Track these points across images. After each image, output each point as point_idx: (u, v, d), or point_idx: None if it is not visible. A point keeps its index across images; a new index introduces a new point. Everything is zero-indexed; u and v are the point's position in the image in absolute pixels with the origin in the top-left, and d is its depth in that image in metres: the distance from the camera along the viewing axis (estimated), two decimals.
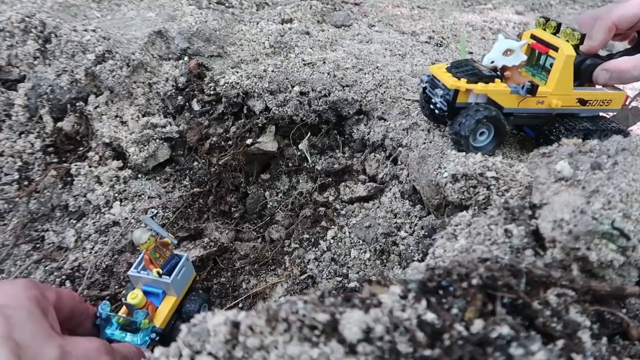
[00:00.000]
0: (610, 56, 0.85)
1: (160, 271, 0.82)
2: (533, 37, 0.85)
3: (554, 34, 0.83)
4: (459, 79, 0.80)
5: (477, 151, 0.83)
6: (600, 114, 0.90)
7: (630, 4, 0.82)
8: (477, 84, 0.80)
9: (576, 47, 0.79)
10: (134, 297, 0.77)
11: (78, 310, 0.68)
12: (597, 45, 0.83)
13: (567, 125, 0.85)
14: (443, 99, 0.83)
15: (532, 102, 0.82)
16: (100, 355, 0.56)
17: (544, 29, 0.85)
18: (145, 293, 0.81)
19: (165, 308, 0.83)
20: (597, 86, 0.86)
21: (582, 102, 0.85)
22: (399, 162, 1.04)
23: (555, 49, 0.80)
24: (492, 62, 0.82)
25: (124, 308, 0.78)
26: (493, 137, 0.84)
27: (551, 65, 0.82)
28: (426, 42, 1.52)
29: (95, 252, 1.04)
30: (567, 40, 0.79)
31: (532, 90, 0.80)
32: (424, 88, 0.90)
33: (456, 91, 0.80)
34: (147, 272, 0.83)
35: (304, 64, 1.26)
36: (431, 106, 0.89)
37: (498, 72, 0.83)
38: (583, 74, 0.82)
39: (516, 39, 0.85)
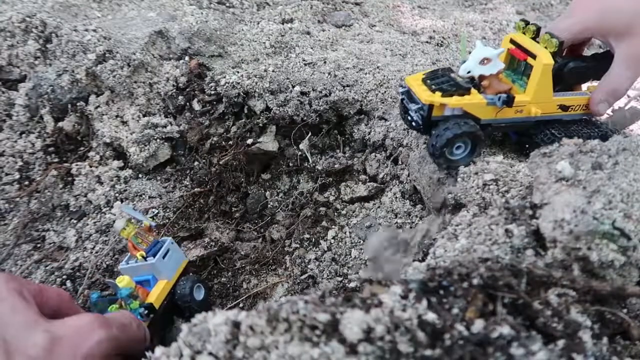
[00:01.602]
0: (594, 56, 0.84)
1: (144, 254, 0.82)
2: (512, 41, 0.84)
3: (533, 38, 0.81)
4: (434, 92, 0.77)
5: (454, 164, 0.81)
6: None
7: (560, 26, 0.81)
8: (452, 97, 0.76)
9: (554, 54, 0.77)
10: (121, 280, 0.76)
11: (64, 310, 0.64)
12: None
13: (553, 130, 0.83)
14: (418, 114, 0.81)
15: (511, 111, 0.80)
16: (93, 330, 0.53)
17: (524, 33, 0.83)
18: (138, 284, 0.81)
19: (156, 290, 0.82)
20: (582, 90, 0.85)
21: (564, 108, 0.83)
22: (400, 162, 1.04)
23: (534, 56, 0.78)
24: (469, 72, 0.78)
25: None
26: (470, 149, 0.81)
27: (530, 71, 0.80)
28: (427, 42, 1.52)
29: (96, 252, 1.04)
30: (545, 47, 0.78)
31: (509, 102, 0.77)
32: (402, 99, 0.87)
33: (431, 106, 0.78)
34: (135, 261, 0.82)
35: (305, 64, 1.26)
36: (409, 118, 0.86)
37: (476, 82, 0.80)
38: (566, 78, 0.81)
39: (494, 46, 0.83)
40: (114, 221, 1.10)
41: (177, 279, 0.87)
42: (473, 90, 0.78)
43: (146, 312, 0.76)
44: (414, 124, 0.84)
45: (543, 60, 0.76)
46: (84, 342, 0.52)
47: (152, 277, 0.83)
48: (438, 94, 0.77)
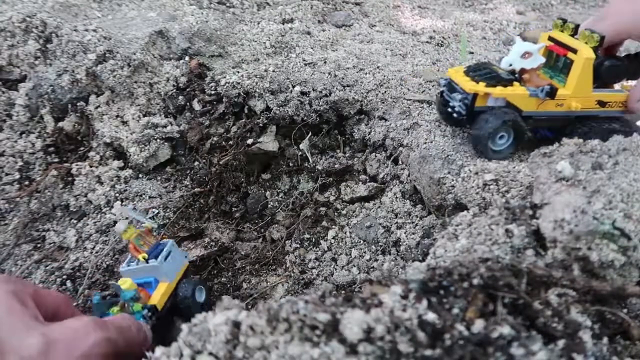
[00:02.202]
0: (629, 56, 0.86)
1: (146, 256, 0.81)
2: (551, 39, 0.85)
3: (572, 35, 0.83)
4: (477, 83, 0.80)
5: (496, 154, 0.83)
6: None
7: (603, 25, 0.82)
8: (496, 88, 0.80)
9: (595, 49, 0.78)
10: (123, 282, 0.76)
11: (63, 313, 0.63)
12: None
13: (589, 127, 0.84)
14: (462, 103, 0.83)
15: (551, 104, 0.82)
16: (89, 333, 0.53)
17: (562, 31, 0.84)
18: (139, 286, 0.81)
19: (158, 292, 0.81)
20: (615, 87, 0.86)
21: (602, 103, 0.84)
22: (400, 162, 1.04)
23: (574, 51, 0.80)
24: (510, 65, 0.82)
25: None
26: (512, 140, 0.84)
27: (570, 67, 0.82)
28: (427, 42, 1.52)
29: (96, 252, 1.04)
30: (586, 42, 0.79)
31: (552, 93, 0.80)
32: (442, 92, 0.90)
33: (475, 95, 0.80)
34: (136, 263, 0.82)
35: (305, 64, 1.26)
36: (449, 110, 0.88)
37: (516, 75, 0.83)
38: (602, 75, 0.82)
39: (532, 42, 0.84)
40: (115, 222, 1.10)
41: (178, 281, 0.87)
42: (515, 83, 0.81)
43: (149, 314, 0.76)
44: (455, 115, 0.86)
45: (584, 54, 0.78)
46: (80, 344, 0.51)
47: (153, 280, 0.83)
48: (482, 84, 0.80)
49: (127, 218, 0.84)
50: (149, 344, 0.68)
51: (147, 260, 0.81)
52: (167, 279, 0.83)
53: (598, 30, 0.80)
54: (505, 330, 0.34)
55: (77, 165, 1.19)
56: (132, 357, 0.63)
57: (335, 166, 1.15)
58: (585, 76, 0.80)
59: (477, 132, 0.82)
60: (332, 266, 0.97)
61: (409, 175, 0.99)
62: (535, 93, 0.80)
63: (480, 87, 0.79)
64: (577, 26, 0.82)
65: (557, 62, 0.86)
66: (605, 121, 0.86)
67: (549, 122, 0.87)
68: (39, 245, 1.08)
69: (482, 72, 0.83)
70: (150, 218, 0.95)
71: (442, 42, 1.52)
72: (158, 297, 0.80)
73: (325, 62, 1.27)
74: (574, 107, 0.82)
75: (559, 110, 0.84)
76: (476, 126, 0.82)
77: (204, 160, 1.21)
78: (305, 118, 1.17)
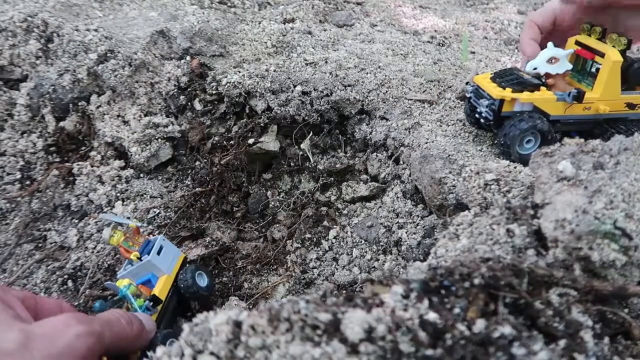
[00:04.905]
0: None
1: (138, 254, 0.82)
2: (577, 43, 0.85)
3: (599, 39, 0.83)
4: (504, 89, 0.81)
5: (524, 158, 0.83)
6: None
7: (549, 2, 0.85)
8: (523, 93, 0.80)
9: (623, 52, 0.79)
10: (120, 282, 0.77)
11: None
12: (522, 46, 0.87)
13: (618, 129, 0.84)
14: (489, 109, 0.84)
15: (579, 108, 0.83)
16: (70, 326, 0.52)
17: (589, 35, 0.85)
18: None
19: (159, 285, 0.82)
20: None
21: (631, 106, 0.84)
22: (401, 162, 1.04)
23: (602, 54, 0.80)
24: (535, 68, 0.83)
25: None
26: (540, 144, 0.84)
27: (597, 70, 0.82)
28: (428, 41, 1.52)
29: (97, 252, 1.04)
30: (614, 46, 0.79)
31: (579, 97, 0.80)
32: (469, 98, 0.91)
33: (501, 101, 0.81)
34: (131, 265, 0.83)
35: (306, 64, 1.26)
36: (476, 115, 0.89)
37: (542, 79, 0.84)
38: (631, 77, 0.82)
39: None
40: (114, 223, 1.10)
41: (177, 274, 0.87)
42: (542, 87, 0.82)
43: (152, 303, 0.77)
44: (482, 120, 0.87)
45: (612, 57, 0.78)
46: (61, 337, 0.51)
47: (152, 276, 0.84)
48: (509, 89, 0.81)
49: (109, 225, 0.84)
50: (149, 335, 0.67)
51: (139, 259, 0.82)
52: (164, 272, 0.84)
53: (539, 10, 0.83)
54: (507, 330, 0.34)
55: (78, 164, 1.19)
56: (127, 351, 0.62)
57: (337, 166, 1.15)
58: (613, 79, 0.81)
59: (504, 137, 0.83)
60: (333, 266, 0.97)
61: (410, 175, 0.99)
62: (562, 97, 0.81)
63: (507, 93, 0.81)
64: (605, 30, 0.82)
65: (585, 66, 0.87)
66: (634, 124, 0.86)
67: (576, 126, 0.87)
68: (40, 244, 1.08)
69: (509, 77, 0.84)
70: (135, 219, 0.95)
71: (443, 42, 1.52)
72: (158, 288, 0.81)
73: (326, 62, 1.27)
74: (601, 110, 0.82)
75: (586, 114, 0.84)
76: (502, 132, 0.83)
77: (205, 160, 1.21)
78: (307, 118, 1.17)
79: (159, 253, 0.84)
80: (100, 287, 0.98)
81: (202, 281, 0.87)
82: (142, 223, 0.88)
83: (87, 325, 0.54)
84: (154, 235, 0.90)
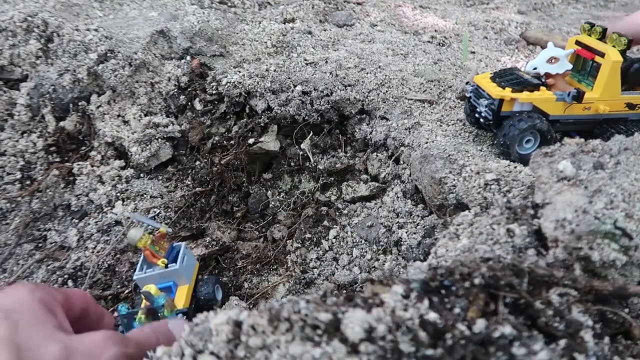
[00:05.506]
0: None
1: (166, 261, 0.81)
2: (578, 43, 0.86)
3: (600, 39, 0.83)
4: (504, 88, 0.81)
5: (524, 158, 0.84)
6: None
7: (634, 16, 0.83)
8: (522, 93, 0.81)
9: (623, 52, 0.79)
10: (150, 289, 0.76)
11: (90, 311, 0.66)
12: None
13: (618, 129, 0.84)
14: (488, 109, 0.84)
15: (579, 108, 0.83)
16: (108, 347, 0.54)
17: (589, 35, 0.85)
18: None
19: (182, 295, 0.82)
20: None
21: (631, 106, 0.85)
22: (401, 162, 1.04)
23: (602, 54, 0.80)
24: (535, 68, 0.83)
25: (143, 303, 0.78)
26: (539, 144, 0.84)
27: (597, 70, 0.82)
28: (428, 41, 1.52)
29: (98, 252, 1.04)
30: (614, 46, 0.79)
31: (578, 97, 0.80)
32: (469, 97, 0.91)
33: (501, 100, 0.82)
34: (152, 269, 0.82)
35: (306, 64, 1.26)
36: (476, 115, 0.90)
37: (542, 79, 0.84)
38: (631, 77, 0.82)
39: (561, 47, 0.85)
40: (116, 222, 1.10)
41: (195, 283, 0.87)
42: (542, 87, 0.82)
43: (185, 317, 0.76)
44: (482, 120, 0.88)
45: (612, 57, 0.79)
46: (98, 356, 0.52)
47: (172, 284, 0.84)
48: (508, 89, 0.81)
49: (140, 225, 0.84)
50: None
51: (166, 266, 0.81)
52: (186, 282, 0.84)
53: (625, 21, 0.81)
54: (507, 329, 0.34)
55: (78, 164, 1.19)
56: None
57: (337, 166, 1.15)
58: (613, 79, 0.81)
59: (503, 137, 0.83)
60: (334, 266, 0.97)
61: (410, 175, 0.99)
62: (562, 97, 0.81)
63: (507, 93, 0.81)
64: (605, 30, 0.82)
65: (585, 66, 0.87)
66: (634, 124, 0.86)
67: (576, 126, 0.87)
68: (40, 244, 1.08)
69: (508, 77, 0.84)
70: (138, 214, 0.94)
71: (443, 41, 1.52)
72: (183, 300, 0.81)
73: (326, 62, 1.27)
74: (601, 110, 0.83)
75: (586, 114, 0.84)
76: (502, 132, 0.83)
77: (205, 160, 1.21)
78: (307, 118, 1.17)
79: (182, 261, 0.84)
80: (100, 286, 0.98)
81: (219, 294, 0.89)
82: (169, 229, 0.88)
83: (123, 348, 0.55)
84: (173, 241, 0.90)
